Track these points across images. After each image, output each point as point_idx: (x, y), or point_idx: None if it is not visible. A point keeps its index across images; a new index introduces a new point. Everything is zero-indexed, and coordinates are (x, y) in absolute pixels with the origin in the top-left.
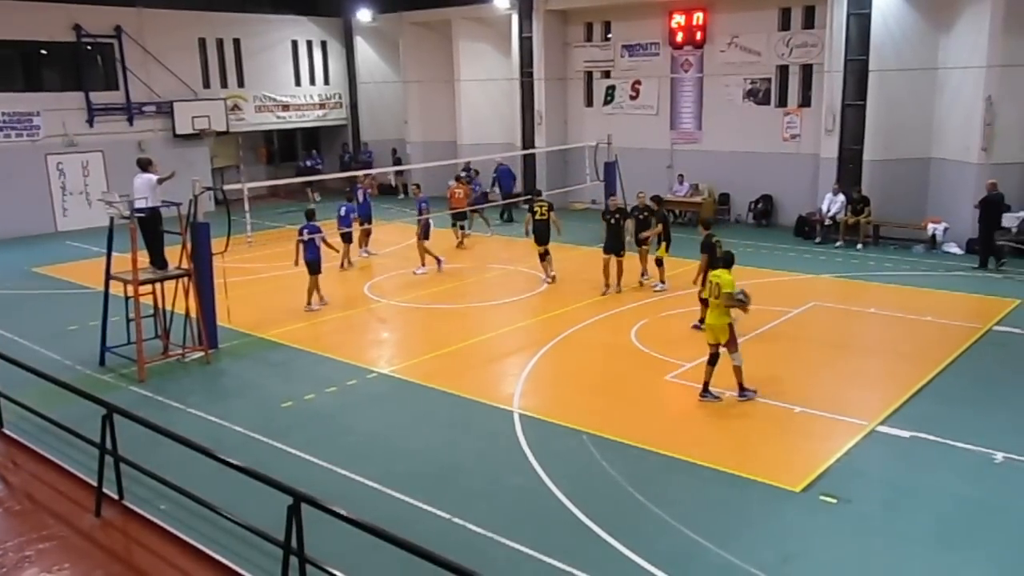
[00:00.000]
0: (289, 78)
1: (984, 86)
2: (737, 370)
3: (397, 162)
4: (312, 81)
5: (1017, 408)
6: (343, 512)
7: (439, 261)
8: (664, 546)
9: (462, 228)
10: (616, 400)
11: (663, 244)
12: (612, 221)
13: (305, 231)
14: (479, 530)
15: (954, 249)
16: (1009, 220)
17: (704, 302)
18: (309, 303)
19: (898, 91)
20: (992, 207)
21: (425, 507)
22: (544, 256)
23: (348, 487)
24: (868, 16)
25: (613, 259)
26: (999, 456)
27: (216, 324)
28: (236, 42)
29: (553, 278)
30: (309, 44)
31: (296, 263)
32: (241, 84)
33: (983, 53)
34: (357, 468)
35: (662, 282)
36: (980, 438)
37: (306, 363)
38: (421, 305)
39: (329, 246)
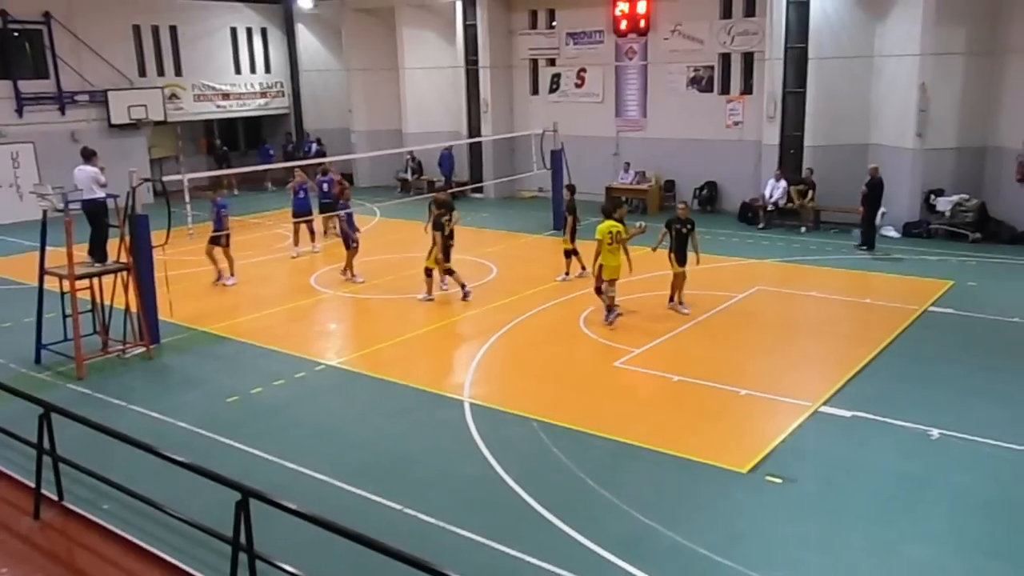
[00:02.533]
0: (229, 66)
1: (918, 73)
2: (611, 299)
3: (321, 153)
4: (253, 69)
5: (952, 386)
6: (292, 506)
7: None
8: (615, 530)
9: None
10: (566, 387)
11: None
12: (683, 231)
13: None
14: (430, 520)
15: (892, 233)
16: (943, 204)
17: (568, 254)
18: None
19: (837, 78)
20: (875, 191)
21: (376, 498)
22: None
23: (297, 480)
24: (807, 5)
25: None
26: (935, 432)
27: (157, 318)
28: (173, 29)
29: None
30: (249, 31)
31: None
32: (179, 72)
33: (917, 41)
34: (306, 461)
35: (567, 273)
36: (917, 415)
37: (252, 356)
38: (369, 296)
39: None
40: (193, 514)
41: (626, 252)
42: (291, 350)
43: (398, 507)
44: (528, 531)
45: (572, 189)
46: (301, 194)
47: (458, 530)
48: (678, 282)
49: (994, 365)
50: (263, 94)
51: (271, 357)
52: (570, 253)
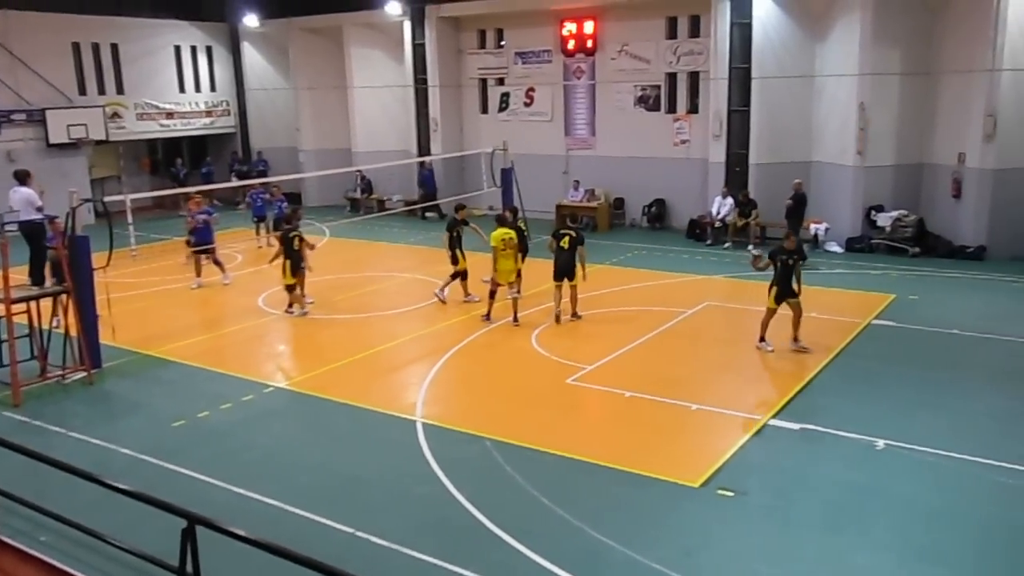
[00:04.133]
0: (173, 85)
1: (857, 93)
2: (515, 302)
3: (261, 173)
4: (198, 88)
5: (896, 397)
6: (241, 532)
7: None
8: (569, 547)
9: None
10: (518, 405)
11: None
12: (790, 262)
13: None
14: (383, 543)
15: (835, 248)
16: (883, 220)
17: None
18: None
19: (779, 97)
20: (798, 205)
21: (327, 522)
22: (291, 289)
23: (246, 506)
24: (749, 26)
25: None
26: (881, 443)
27: (99, 342)
28: (114, 47)
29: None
30: (193, 49)
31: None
32: (121, 91)
33: (855, 61)
34: (255, 486)
35: (518, 291)
36: (863, 427)
37: (198, 380)
38: (319, 316)
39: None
40: (137, 544)
41: (517, 259)
42: (239, 372)
43: (350, 530)
44: (482, 551)
45: (515, 211)
46: (201, 223)
47: (412, 552)
48: (796, 317)
49: (935, 376)
50: (208, 113)
51: (218, 380)
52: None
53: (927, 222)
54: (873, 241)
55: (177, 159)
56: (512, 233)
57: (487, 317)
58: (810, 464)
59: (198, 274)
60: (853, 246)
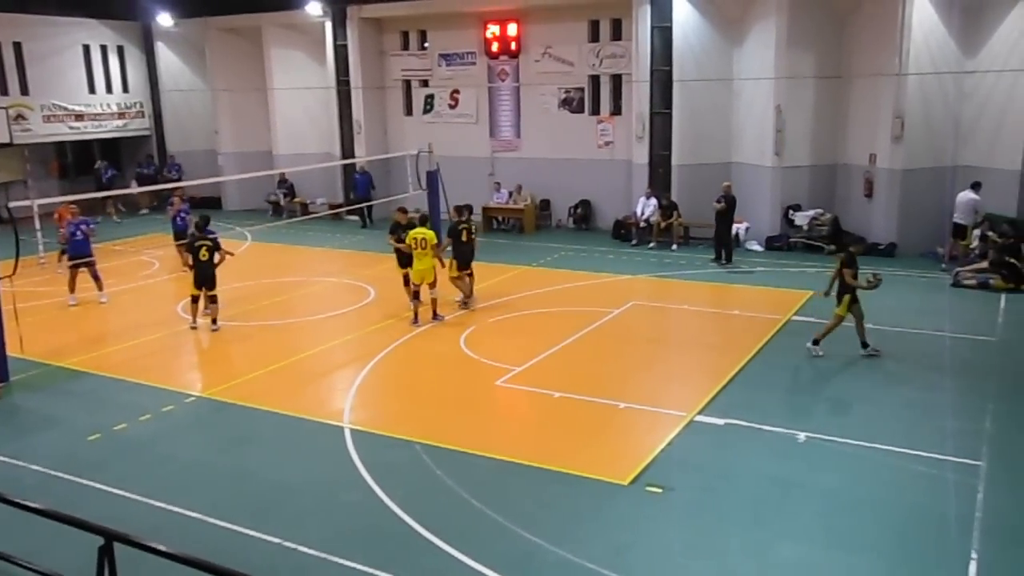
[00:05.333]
0: (82, 85)
1: (774, 96)
2: (434, 301)
3: (152, 180)
4: (109, 89)
5: (815, 391)
6: (162, 547)
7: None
8: (502, 550)
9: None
10: (448, 408)
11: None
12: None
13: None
14: (312, 552)
15: (756, 247)
16: (801, 219)
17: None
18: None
19: (700, 100)
20: (729, 208)
21: (253, 533)
22: (197, 298)
23: (167, 520)
24: (670, 29)
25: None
26: (802, 436)
27: (6, 355)
28: (16, 46)
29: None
30: (104, 49)
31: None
32: (25, 92)
33: (771, 65)
34: (177, 499)
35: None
36: (785, 420)
37: (115, 391)
38: (241, 323)
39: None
40: (52, 565)
41: (439, 258)
42: (158, 383)
43: (277, 541)
44: (414, 557)
45: (459, 211)
46: (79, 235)
47: (342, 561)
48: (859, 323)
49: (852, 370)
50: (121, 115)
51: (136, 391)
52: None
53: (842, 220)
54: (791, 239)
55: (100, 161)
56: (430, 234)
57: (415, 321)
58: (735, 458)
59: (72, 290)
60: (772, 244)
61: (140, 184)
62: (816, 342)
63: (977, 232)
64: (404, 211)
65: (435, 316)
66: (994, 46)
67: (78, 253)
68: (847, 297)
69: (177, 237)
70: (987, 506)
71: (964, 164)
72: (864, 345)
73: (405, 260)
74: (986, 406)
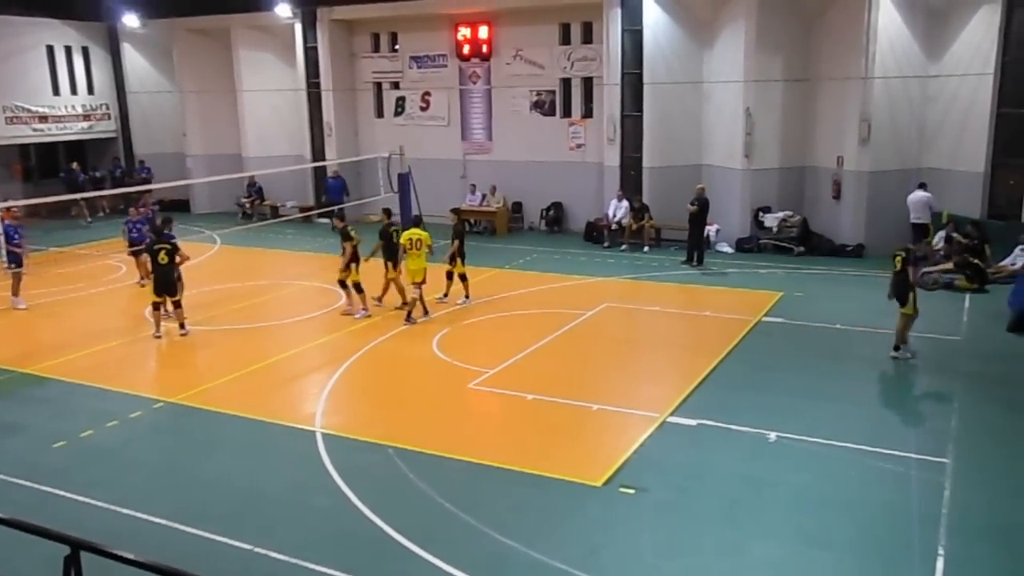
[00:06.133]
0: (46, 87)
1: (743, 99)
2: (414, 300)
3: (144, 181)
4: (74, 90)
5: (785, 391)
6: (130, 556)
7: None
8: (475, 552)
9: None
10: (421, 411)
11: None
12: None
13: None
14: (283, 557)
15: (726, 248)
16: (770, 221)
17: (448, 275)
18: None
19: (670, 103)
20: (702, 210)
21: (224, 540)
22: (159, 305)
23: (136, 528)
24: (640, 33)
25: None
26: (773, 435)
27: None
28: None
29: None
30: (68, 50)
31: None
32: None
33: (740, 68)
34: (145, 506)
35: (467, 297)
36: (756, 420)
37: (81, 397)
38: (212, 327)
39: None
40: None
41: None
42: (125, 388)
43: (248, 547)
44: (388, 561)
45: (457, 212)
46: (16, 237)
47: (314, 566)
48: (909, 324)
49: (821, 370)
50: (86, 117)
51: (103, 397)
52: (451, 275)
53: (810, 222)
54: (761, 241)
55: (73, 163)
56: (423, 234)
57: (408, 319)
58: (707, 458)
59: (15, 293)
60: (742, 246)
61: (93, 186)
62: (897, 348)
63: (942, 233)
64: (388, 212)
65: (408, 319)
66: (957, 50)
67: (14, 257)
68: (912, 295)
69: (131, 245)
70: (953, 503)
71: (929, 167)
72: (896, 348)
73: (395, 262)
74: (952, 404)
